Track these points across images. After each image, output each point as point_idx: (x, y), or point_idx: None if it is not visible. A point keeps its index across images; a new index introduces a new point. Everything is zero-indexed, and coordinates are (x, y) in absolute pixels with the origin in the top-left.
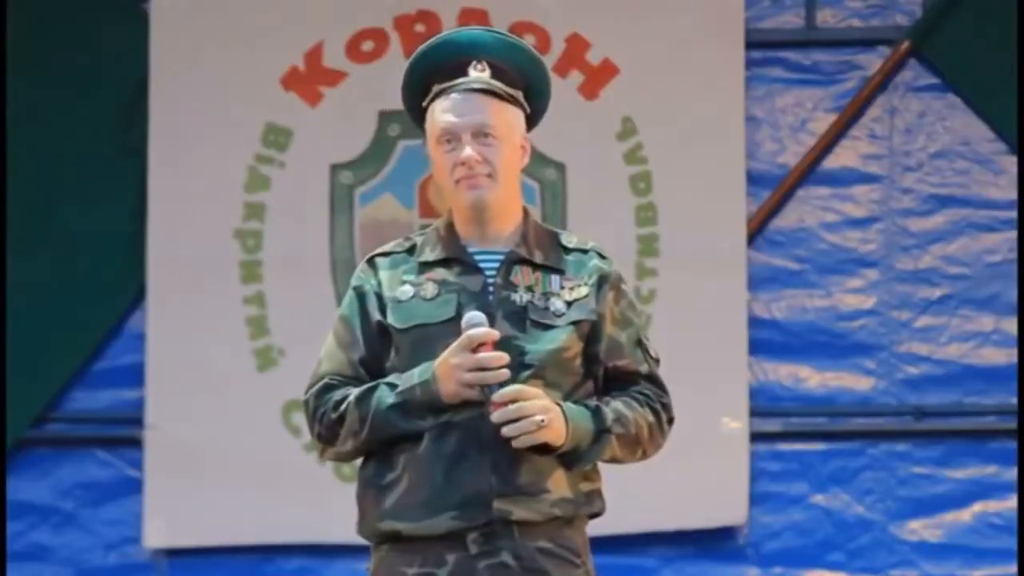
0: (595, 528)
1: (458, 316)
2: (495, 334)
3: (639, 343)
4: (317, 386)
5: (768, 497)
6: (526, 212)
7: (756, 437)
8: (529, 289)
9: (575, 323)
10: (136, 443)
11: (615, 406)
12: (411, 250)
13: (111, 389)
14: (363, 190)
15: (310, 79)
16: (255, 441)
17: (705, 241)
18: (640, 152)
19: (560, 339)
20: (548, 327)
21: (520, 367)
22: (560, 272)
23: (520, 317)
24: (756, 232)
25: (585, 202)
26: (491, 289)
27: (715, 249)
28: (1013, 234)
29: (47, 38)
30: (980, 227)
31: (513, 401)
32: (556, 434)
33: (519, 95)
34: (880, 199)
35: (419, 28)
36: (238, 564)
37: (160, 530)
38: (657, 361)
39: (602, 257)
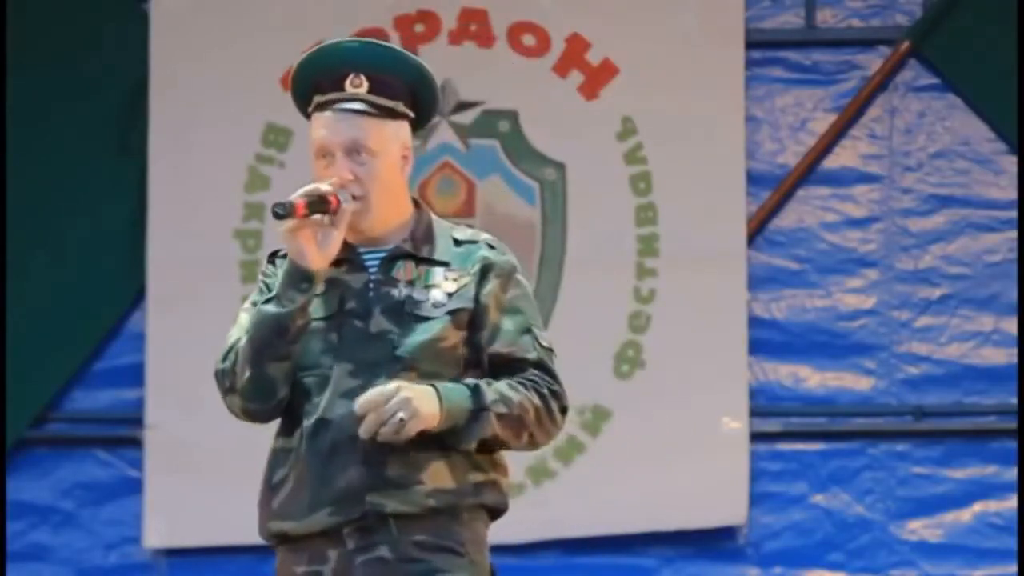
0: (595, 528)
1: (340, 311)
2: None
3: (528, 331)
4: (221, 354)
5: (768, 497)
6: (419, 207)
7: (756, 437)
8: (410, 283)
9: (452, 312)
10: (136, 443)
11: (497, 387)
12: None
13: (111, 389)
14: None
15: None
16: (255, 441)
17: (705, 241)
18: (640, 152)
19: (434, 329)
20: (424, 319)
21: (393, 360)
22: (445, 265)
23: (398, 311)
24: (756, 232)
25: (585, 202)
26: (372, 285)
27: (715, 249)
28: (1013, 234)
29: (47, 38)
30: (980, 227)
31: (384, 402)
32: (427, 420)
33: (399, 105)
34: (880, 199)
35: (419, 28)
36: (238, 564)
37: (160, 530)
38: (550, 351)
39: (491, 248)
